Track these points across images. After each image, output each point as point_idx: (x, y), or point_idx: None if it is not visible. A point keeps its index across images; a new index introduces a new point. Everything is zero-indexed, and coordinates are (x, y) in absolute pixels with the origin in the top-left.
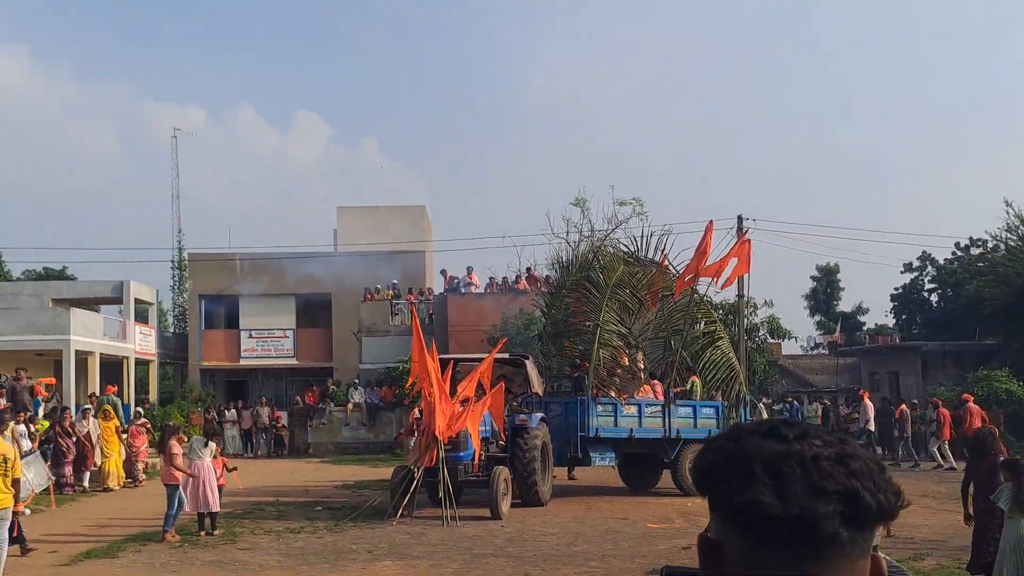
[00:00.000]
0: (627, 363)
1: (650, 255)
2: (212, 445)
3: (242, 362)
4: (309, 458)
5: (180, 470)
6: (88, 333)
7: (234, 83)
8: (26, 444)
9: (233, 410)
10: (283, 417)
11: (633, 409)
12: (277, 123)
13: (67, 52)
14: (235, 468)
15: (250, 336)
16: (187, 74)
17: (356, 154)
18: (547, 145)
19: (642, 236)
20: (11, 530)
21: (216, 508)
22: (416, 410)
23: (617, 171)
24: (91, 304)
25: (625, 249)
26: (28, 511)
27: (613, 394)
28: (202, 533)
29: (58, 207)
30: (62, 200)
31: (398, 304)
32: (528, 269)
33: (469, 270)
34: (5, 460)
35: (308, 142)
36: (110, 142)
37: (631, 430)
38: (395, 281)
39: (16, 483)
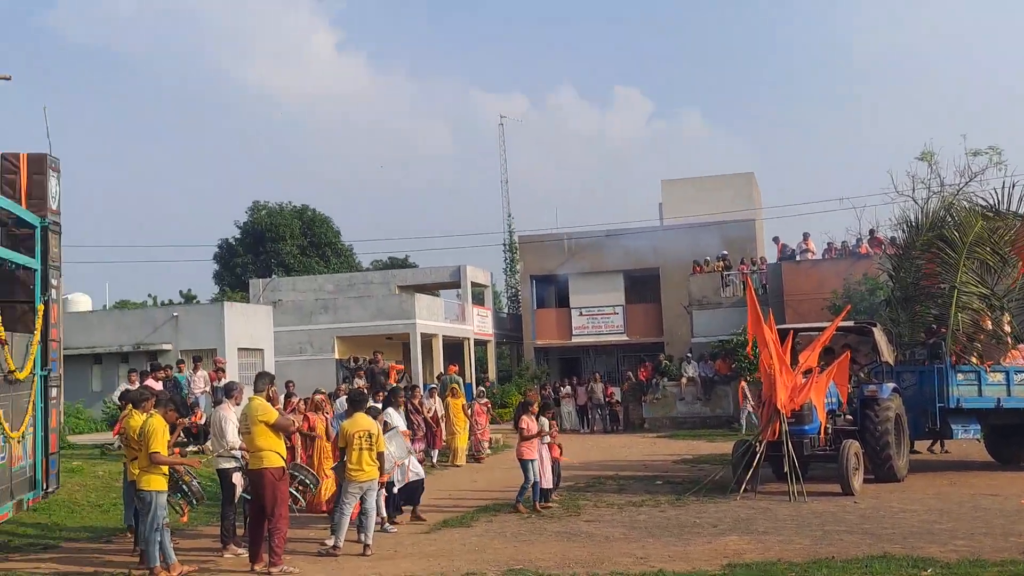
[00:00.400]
0: (990, 327)
1: (1013, 208)
2: (544, 420)
3: (574, 339)
4: (644, 433)
5: (527, 441)
6: (431, 316)
7: (554, 66)
8: (399, 421)
9: (568, 386)
10: (616, 393)
11: (1000, 377)
12: (597, 102)
13: (400, 54)
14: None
15: (580, 314)
16: (510, 62)
17: (677, 127)
18: (885, 98)
19: (1003, 187)
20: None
21: (548, 484)
22: (743, 382)
23: (968, 120)
24: (432, 289)
25: (983, 203)
26: (397, 487)
27: (975, 361)
28: (546, 504)
29: (399, 199)
30: (403, 192)
31: (729, 275)
32: (871, 231)
33: (805, 236)
34: (370, 435)
35: (629, 118)
36: (443, 134)
37: (998, 399)
38: (724, 252)
39: (380, 456)
